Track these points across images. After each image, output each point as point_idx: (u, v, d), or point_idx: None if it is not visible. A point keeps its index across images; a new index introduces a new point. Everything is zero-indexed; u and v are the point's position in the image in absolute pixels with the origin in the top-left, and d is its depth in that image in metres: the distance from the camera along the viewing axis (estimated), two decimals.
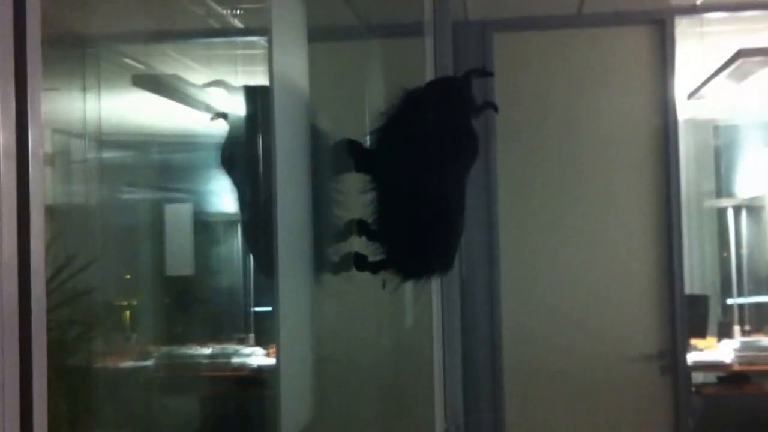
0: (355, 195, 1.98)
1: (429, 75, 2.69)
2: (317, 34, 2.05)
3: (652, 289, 4.02)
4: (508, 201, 4.10)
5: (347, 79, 2.66)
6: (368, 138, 2.03)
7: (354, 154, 1.99)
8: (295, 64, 1.75)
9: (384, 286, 2.05)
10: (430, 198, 1.92)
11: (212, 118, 1.82)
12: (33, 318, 0.73)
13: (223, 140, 1.80)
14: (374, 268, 2.01)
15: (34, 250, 0.74)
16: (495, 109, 2.11)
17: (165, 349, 3.69)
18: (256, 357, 4.64)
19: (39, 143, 0.75)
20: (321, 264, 1.88)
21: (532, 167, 4.12)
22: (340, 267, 2.03)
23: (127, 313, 3.34)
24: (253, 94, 1.79)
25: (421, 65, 2.72)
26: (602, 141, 4.07)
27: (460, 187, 2.02)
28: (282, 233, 1.49)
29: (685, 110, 4.84)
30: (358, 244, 2.03)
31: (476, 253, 4.04)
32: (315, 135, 1.90)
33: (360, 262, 2.03)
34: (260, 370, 4.43)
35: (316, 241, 1.79)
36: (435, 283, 2.93)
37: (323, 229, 1.88)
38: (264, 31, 2.81)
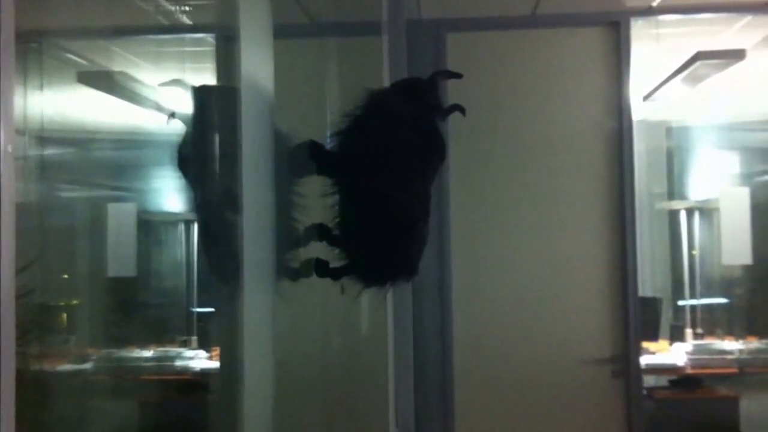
0: (317, 198, 1.99)
1: (386, 75, 2.74)
2: (276, 33, 2.09)
3: (605, 291, 4.10)
4: (459, 204, 4.15)
5: (306, 79, 2.71)
6: (329, 139, 2.04)
7: (315, 157, 1.98)
8: (261, 64, 1.77)
9: (342, 291, 2.06)
10: (393, 202, 1.92)
11: (169, 119, 1.83)
12: (2, 316, 0.78)
13: (179, 141, 1.80)
14: (336, 274, 2.00)
15: (5, 248, 0.79)
16: (462, 111, 2.05)
17: (105, 351, 3.69)
18: (199, 360, 4.66)
19: (9, 141, 0.80)
20: (281, 269, 1.89)
21: (484, 169, 4.18)
22: (300, 273, 2.03)
23: (66, 314, 3.34)
24: (210, 94, 1.81)
25: (379, 65, 2.77)
26: (556, 142, 4.15)
27: (425, 192, 2.02)
28: (247, 238, 1.52)
29: (637, 111, 4.97)
30: (319, 249, 2.03)
31: (426, 257, 4.09)
32: (276, 136, 1.93)
33: (321, 268, 2.02)
34: (203, 373, 4.45)
35: (278, 246, 1.82)
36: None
37: (284, 234, 1.90)
38: (212, 27, 2.85)
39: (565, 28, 4.20)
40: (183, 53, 2.95)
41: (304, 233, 2.03)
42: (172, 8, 2.67)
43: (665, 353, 5.24)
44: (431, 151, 1.98)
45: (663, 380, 5.23)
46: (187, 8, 2.69)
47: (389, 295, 2.77)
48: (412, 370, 3.12)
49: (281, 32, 2.22)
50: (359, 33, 3.30)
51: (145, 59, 2.95)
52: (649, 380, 5.04)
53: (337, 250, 1.98)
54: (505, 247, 4.14)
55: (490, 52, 4.20)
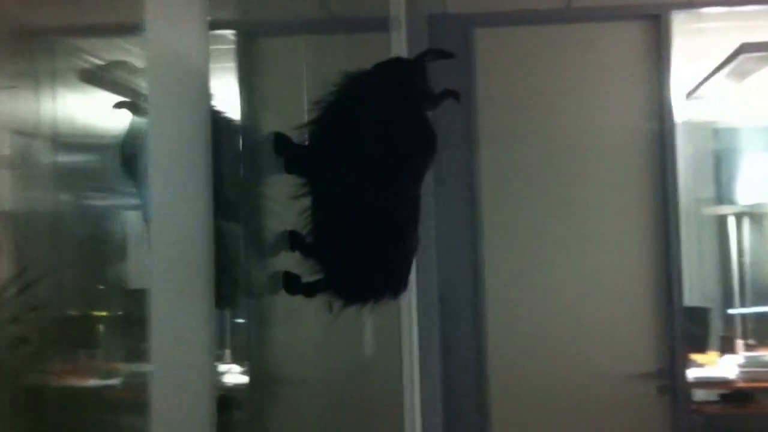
0: (288, 201, 1.75)
1: None
2: (286, 30, 2.03)
3: (648, 302, 4.04)
4: (491, 211, 4.10)
5: (307, 76, 2.67)
6: (298, 131, 1.80)
7: (283, 152, 1.73)
8: (183, 45, 1.59)
9: (331, 309, 1.81)
10: (375, 204, 1.70)
11: (115, 107, 1.67)
12: None
13: (123, 135, 1.63)
14: (309, 290, 1.75)
15: None
16: (456, 98, 1.86)
17: (133, 366, 3.67)
18: (232, 375, 4.62)
19: None
20: (238, 285, 1.73)
21: (518, 174, 4.13)
22: (266, 289, 1.83)
23: (90, 328, 3.35)
24: None
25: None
26: (593, 144, 4.09)
27: (413, 192, 1.77)
28: (158, 245, 1.32)
29: (682, 112, 4.90)
30: (290, 260, 1.79)
31: (457, 269, 4.04)
32: (232, 129, 1.76)
33: (291, 283, 1.76)
34: (236, 389, 4.42)
35: (231, 258, 1.64)
36: (406, 304, 2.88)
37: (244, 243, 1.69)
38: (233, 23, 2.82)
39: (601, 23, 4.15)
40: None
41: (273, 242, 1.81)
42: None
43: (714, 366, 5.15)
44: (419, 144, 1.75)
45: (712, 394, 5.14)
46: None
47: (405, 312, 2.68)
48: (440, 390, 3.06)
49: (292, 29, 2.17)
50: (370, 29, 3.25)
51: None
52: (697, 394, 4.95)
53: (311, 262, 1.73)
54: (542, 257, 4.10)
55: (521, 48, 4.16)
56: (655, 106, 4.08)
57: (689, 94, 5.16)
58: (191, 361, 1.39)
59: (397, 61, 1.90)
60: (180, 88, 1.47)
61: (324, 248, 1.72)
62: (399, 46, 2.79)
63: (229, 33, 2.93)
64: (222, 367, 4.55)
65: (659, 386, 4.02)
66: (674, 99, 4.10)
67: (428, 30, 3.52)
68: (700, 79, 4.89)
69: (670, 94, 4.07)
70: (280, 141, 1.74)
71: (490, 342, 4.08)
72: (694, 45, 4.61)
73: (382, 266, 1.74)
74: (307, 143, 1.72)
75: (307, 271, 1.74)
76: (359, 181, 1.68)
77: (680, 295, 4.05)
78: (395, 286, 1.80)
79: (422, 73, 1.81)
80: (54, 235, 2.63)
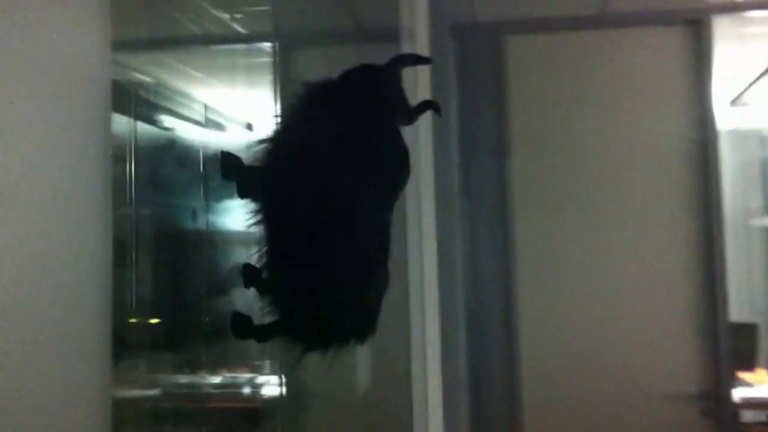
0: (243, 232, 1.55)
1: (422, 88, 2.57)
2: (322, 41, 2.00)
3: (692, 318, 3.98)
4: (524, 224, 4.08)
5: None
6: (252, 149, 1.60)
7: (233, 173, 1.53)
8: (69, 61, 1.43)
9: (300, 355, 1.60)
10: (337, 234, 1.47)
11: None
12: None
13: None
14: (261, 333, 1.55)
15: None
16: (437, 110, 1.67)
17: (171, 376, 3.69)
18: (270, 387, 4.62)
19: None
20: (176, 327, 1.60)
21: (552, 185, 4.10)
22: (212, 333, 1.74)
23: (129, 337, 3.37)
24: None
25: (412, 76, 2.65)
26: (631, 155, 4.05)
27: (383, 219, 1.55)
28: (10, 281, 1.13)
29: (727, 120, 4.83)
30: (248, 298, 1.61)
31: (488, 283, 4.02)
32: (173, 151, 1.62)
33: (240, 325, 1.58)
34: (272, 401, 4.43)
35: (164, 295, 1.51)
36: (418, 320, 2.81)
37: (186, 278, 1.62)
38: (271, 36, 2.83)
39: (639, 28, 4.11)
40: (237, 64, 2.93)
41: (223, 277, 1.71)
42: (222, 15, 2.65)
43: (763, 385, 5.05)
44: (390, 165, 1.55)
45: (762, 415, 5.04)
46: (238, 15, 2.67)
47: (415, 329, 2.60)
48: (467, 410, 3.00)
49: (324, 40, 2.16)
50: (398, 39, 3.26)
51: (200, 71, 2.89)
52: (745, 416, 4.86)
53: (267, 299, 1.52)
54: (577, 272, 4.06)
55: (555, 55, 4.15)
56: (696, 115, 4.04)
57: (734, 101, 5.09)
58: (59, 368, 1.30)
59: (364, 69, 1.63)
60: (66, 105, 1.36)
61: (279, 285, 1.51)
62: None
63: (266, 45, 2.94)
64: (260, 379, 4.58)
65: (703, 408, 3.95)
66: (718, 106, 4.05)
67: (456, 39, 3.50)
68: (745, 85, 4.82)
69: (711, 102, 4.02)
70: (228, 162, 1.54)
71: (522, 361, 4.04)
72: (739, 50, 4.56)
73: (345, 306, 1.51)
74: (260, 163, 1.52)
75: (260, 311, 1.54)
76: (318, 207, 1.47)
77: (726, 310, 3.99)
78: (362, 329, 1.56)
79: (393, 80, 1.60)
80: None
